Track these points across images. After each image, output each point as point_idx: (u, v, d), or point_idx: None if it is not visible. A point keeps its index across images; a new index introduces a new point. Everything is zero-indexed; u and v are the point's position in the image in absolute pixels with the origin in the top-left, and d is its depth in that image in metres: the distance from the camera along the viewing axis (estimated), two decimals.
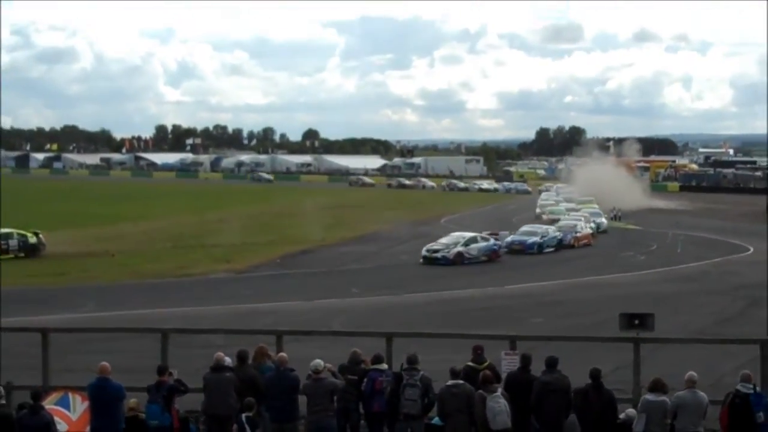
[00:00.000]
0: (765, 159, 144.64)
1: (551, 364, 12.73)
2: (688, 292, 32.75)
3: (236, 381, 12.95)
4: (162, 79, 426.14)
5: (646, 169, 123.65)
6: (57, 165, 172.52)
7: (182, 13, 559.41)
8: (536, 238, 45.94)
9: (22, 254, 40.99)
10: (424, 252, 40.78)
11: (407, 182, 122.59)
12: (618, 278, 36.91)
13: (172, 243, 47.84)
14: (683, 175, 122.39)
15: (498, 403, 12.15)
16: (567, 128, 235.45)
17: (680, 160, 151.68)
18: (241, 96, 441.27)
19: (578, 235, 49.24)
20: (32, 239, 42.04)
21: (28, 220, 57.11)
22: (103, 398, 12.59)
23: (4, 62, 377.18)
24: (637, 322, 14.44)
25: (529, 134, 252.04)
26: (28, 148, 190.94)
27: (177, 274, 37.29)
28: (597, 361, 13.24)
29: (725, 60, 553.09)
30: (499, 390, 12.40)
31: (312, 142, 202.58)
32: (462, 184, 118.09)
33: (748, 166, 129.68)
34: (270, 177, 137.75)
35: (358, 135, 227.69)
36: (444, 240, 42.02)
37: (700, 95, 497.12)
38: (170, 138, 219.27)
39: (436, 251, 40.42)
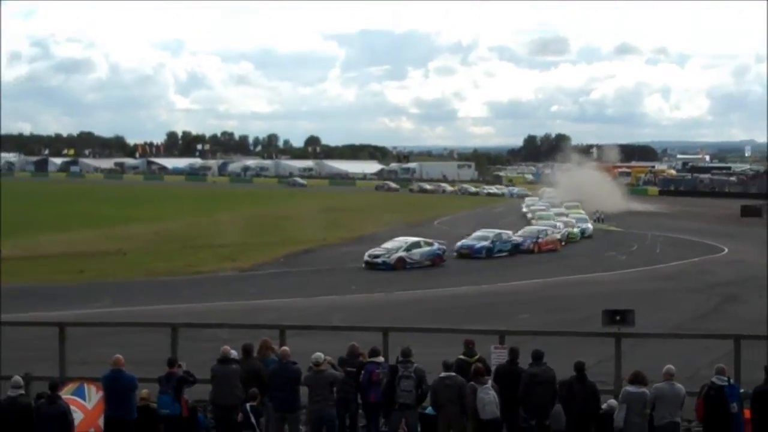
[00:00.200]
0: (739, 165, 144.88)
1: (537, 357, 12.75)
2: (667, 289, 32.73)
3: (242, 372, 12.93)
4: (173, 88, 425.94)
5: (628, 174, 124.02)
6: (74, 169, 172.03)
7: (192, 26, 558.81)
8: (486, 243, 43.61)
9: None
10: (365, 257, 38.64)
11: (428, 187, 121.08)
12: (601, 277, 36.92)
13: (182, 243, 47.72)
14: (662, 179, 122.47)
15: (488, 395, 12.15)
16: (553, 135, 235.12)
17: (659, 166, 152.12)
18: (247, 104, 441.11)
19: (541, 240, 46.72)
20: None
21: (48, 220, 57.38)
22: (117, 388, 12.59)
23: (26, 73, 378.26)
24: (618, 318, 14.45)
25: (518, 141, 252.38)
26: (46, 152, 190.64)
27: (186, 272, 37.20)
28: (581, 354, 13.23)
29: (702, 72, 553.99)
30: (489, 382, 12.41)
31: (314, 148, 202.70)
32: (473, 189, 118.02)
33: (724, 171, 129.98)
34: (304, 182, 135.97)
35: (357, 141, 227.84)
36: (387, 245, 39.69)
37: (679, 105, 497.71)
38: (180, 144, 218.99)
39: (377, 256, 38.29)
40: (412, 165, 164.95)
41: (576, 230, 53.88)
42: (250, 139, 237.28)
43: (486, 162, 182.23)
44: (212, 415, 13.43)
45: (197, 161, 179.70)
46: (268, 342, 13.95)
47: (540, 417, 12.63)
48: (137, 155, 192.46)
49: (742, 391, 12.09)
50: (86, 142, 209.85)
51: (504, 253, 43.72)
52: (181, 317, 19.79)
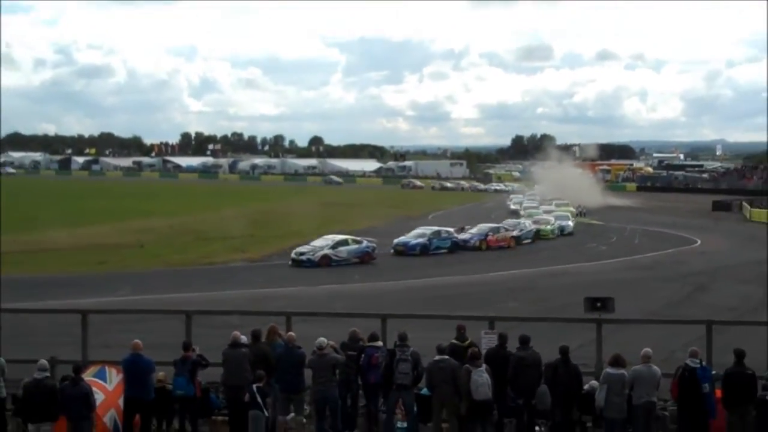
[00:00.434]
0: (711, 163, 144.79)
1: (524, 341, 12.76)
2: (644, 278, 32.72)
3: (251, 356, 12.92)
4: (186, 92, 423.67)
5: (608, 171, 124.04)
6: (95, 167, 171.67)
7: (204, 34, 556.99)
8: (422, 240, 41.11)
9: None
10: (292, 255, 36.62)
11: (448, 185, 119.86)
12: (582, 267, 36.91)
13: (195, 236, 47.64)
14: (640, 176, 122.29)
15: (481, 377, 12.16)
16: (539, 136, 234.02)
17: (637, 164, 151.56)
18: (255, 107, 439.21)
19: (490, 237, 43.80)
20: None
21: (70, 215, 57.31)
22: (136, 371, 12.59)
23: (50, 78, 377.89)
24: (599, 305, 14.43)
25: (506, 141, 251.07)
26: (70, 152, 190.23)
27: (199, 263, 37.13)
28: (565, 339, 13.25)
29: (677, 76, 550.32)
30: (484, 365, 12.41)
31: (317, 147, 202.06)
32: (482, 186, 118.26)
33: (696, 169, 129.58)
34: (339, 180, 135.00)
35: (357, 141, 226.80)
36: (315, 242, 37.64)
37: (655, 107, 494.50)
38: (194, 144, 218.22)
39: (303, 254, 36.36)
40: (408, 163, 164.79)
41: (549, 227, 50.76)
42: (258, 139, 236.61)
43: (477, 160, 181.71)
44: (224, 396, 13.43)
45: (209, 160, 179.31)
46: (276, 328, 13.93)
47: (527, 397, 12.66)
48: (153, 154, 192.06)
49: (713, 372, 12.09)
50: (106, 143, 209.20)
51: (443, 250, 41.33)
52: (194, 305, 19.79)
